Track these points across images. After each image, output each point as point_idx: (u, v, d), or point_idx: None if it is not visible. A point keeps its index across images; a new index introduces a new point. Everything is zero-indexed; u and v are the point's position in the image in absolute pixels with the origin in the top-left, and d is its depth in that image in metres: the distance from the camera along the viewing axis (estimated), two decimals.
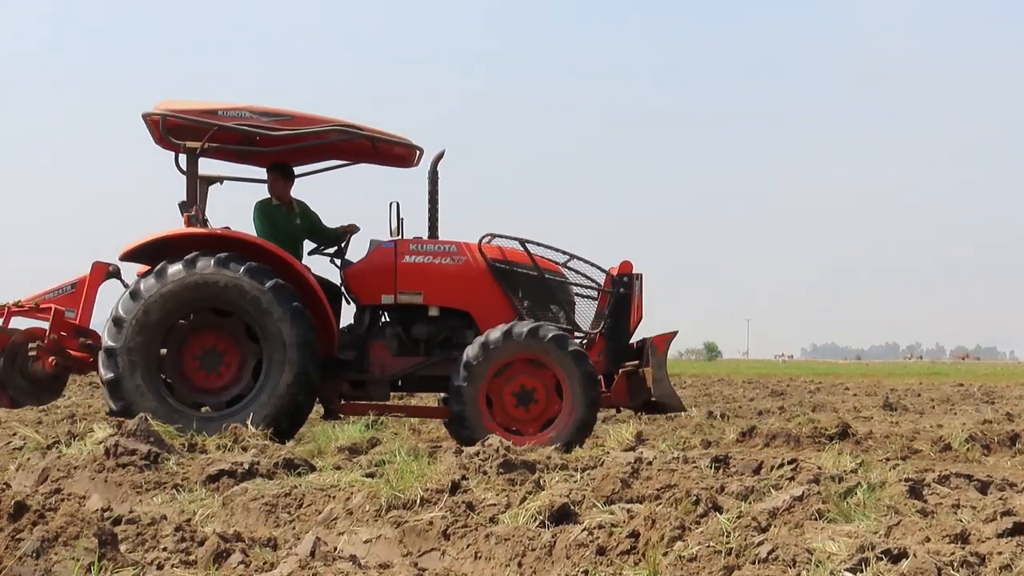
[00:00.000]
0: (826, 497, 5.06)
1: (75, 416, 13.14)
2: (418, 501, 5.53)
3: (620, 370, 11.63)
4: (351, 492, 5.89)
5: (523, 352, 11.02)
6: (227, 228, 11.59)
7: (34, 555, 4.16)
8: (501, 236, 11.90)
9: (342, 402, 11.73)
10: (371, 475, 6.68)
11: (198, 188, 11.56)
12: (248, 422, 10.15)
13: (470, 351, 11.00)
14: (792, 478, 6.07)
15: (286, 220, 11.89)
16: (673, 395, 11.45)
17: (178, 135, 11.21)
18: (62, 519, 4.30)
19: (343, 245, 12.14)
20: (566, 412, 10.98)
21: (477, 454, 6.82)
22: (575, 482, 6.04)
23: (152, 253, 11.02)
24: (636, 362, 11.49)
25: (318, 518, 5.69)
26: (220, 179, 12.16)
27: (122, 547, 4.49)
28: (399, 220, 11.84)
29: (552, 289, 11.91)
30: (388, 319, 11.85)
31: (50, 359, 11.21)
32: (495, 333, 10.99)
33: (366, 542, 5.13)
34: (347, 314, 11.87)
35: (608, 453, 8.25)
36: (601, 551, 4.50)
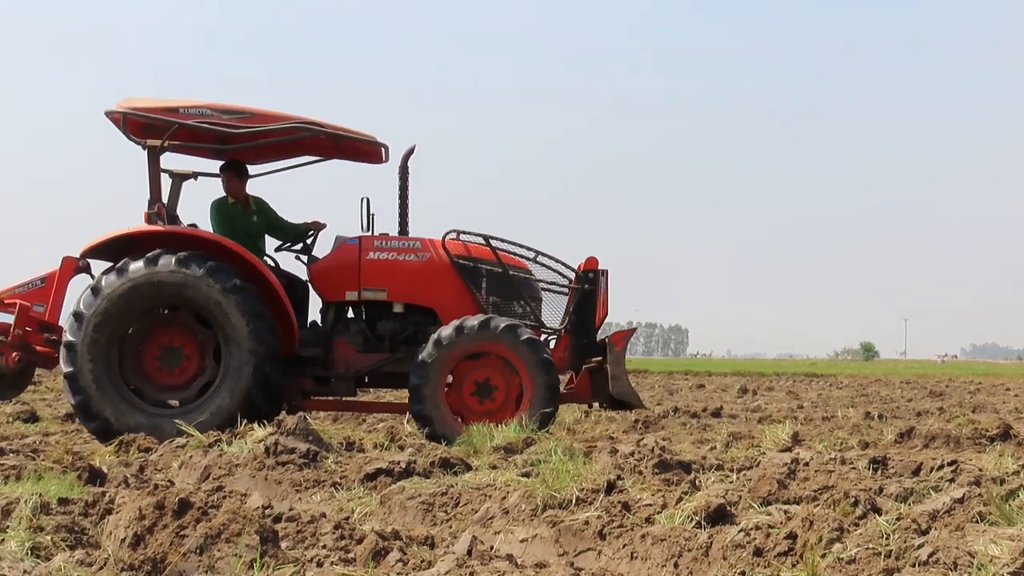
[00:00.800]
0: (988, 499, 4.92)
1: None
2: (574, 501, 5.52)
3: (584, 366, 11.66)
4: (507, 491, 5.91)
5: (476, 345, 11.03)
6: (194, 225, 11.74)
7: (198, 551, 4.26)
8: (465, 232, 11.90)
9: (305, 399, 11.81)
10: (527, 474, 6.69)
11: (173, 185, 11.77)
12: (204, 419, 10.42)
13: (425, 349, 11.04)
14: (952, 480, 5.93)
15: (242, 217, 11.97)
16: (631, 392, 11.45)
17: (140, 133, 11.33)
18: (224, 516, 4.39)
19: (310, 242, 12.18)
20: (526, 400, 10.97)
21: (632, 454, 6.79)
22: (731, 483, 5.98)
23: (114, 250, 11.20)
24: (600, 358, 11.48)
25: (474, 517, 5.72)
26: (194, 175, 12.16)
27: (282, 544, 4.57)
28: (370, 216, 11.86)
29: (516, 285, 11.89)
30: (353, 315, 11.91)
31: (14, 354, 11.28)
32: (447, 330, 11.01)
33: (522, 541, 5.13)
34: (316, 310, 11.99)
35: (764, 454, 8.16)
36: (758, 552, 4.44)
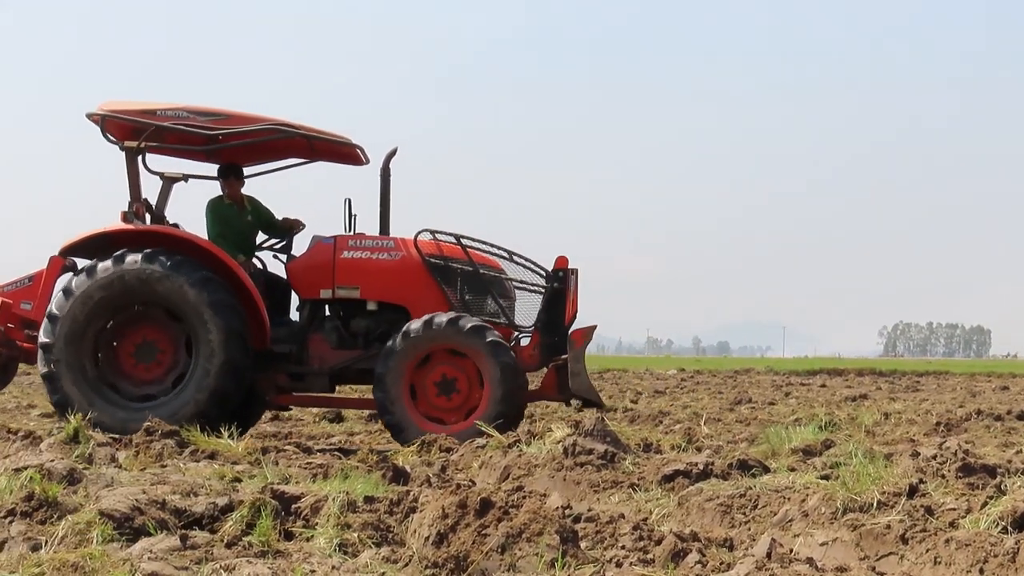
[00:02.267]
0: None
1: (533, 416, 13.58)
2: (875, 504, 5.38)
3: (550, 364, 11.76)
4: (806, 494, 5.81)
5: (443, 342, 11.14)
6: (176, 225, 11.84)
7: (499, 550, 4.34)
8: (438, 232, 11.99)
9: (279, 395, 11.92)
10: (826, 477, 6.57)
11: (163, 187, 11.91)
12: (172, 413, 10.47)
13: (392, 341, 11.16)
14: None
15: (237, 218, 12.21)
16: (591, 388, 11.57)
17: (119, 135, 11.52)
18: (525, 516, 4.47)
19: (289, 240, 12.41)
20: (485, 402, 11.05)
21: (934, 457, 6.57)
22: None
23: (95, 248, 11.38)
24: (565, 356, 11.49)
25: (773, 519, 5.65)
26: (184, 177, 12.28)
27: (582, 544, 4.62)
28: (351, 216, 12.04)
29: (488, 284, 11.96)
30: (328, 313, 12.00)
31: None
32: (416, 324, 11.14)
33: (822, 545, 5.04)
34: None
35: None
36: None
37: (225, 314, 10.99)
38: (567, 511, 5.28)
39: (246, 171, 12.55)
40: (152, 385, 11.25)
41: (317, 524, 5.04)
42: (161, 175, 12.00)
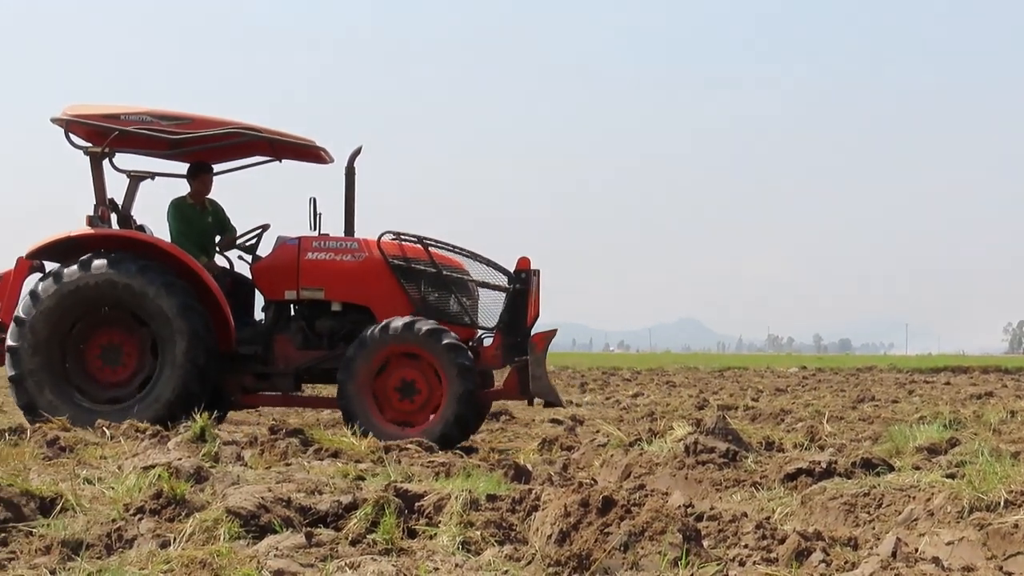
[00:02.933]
0: None
1: (654, 414, 13.54)
2: (1002, 503, 5.28)
3: (511, 365, 11.77)
4: (931, 493, 5.71)
5: (400, 345, 11.21)
6: (142, 227, 12.04)
7: (622, 548, 4.34)
8: (401, 234, 12.08)
9: (245, 395, 12.02)
10: (951, 476, 6.45)
11: (129, 185, 12.06)
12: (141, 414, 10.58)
13: (351, 348, 11.29)
14: None
15: (199, 218, 12.36)
16: (551, 390, 11.60)
17: (83, 139, 11.70)
18: (647, 514, 4.46)
19: (255, 242, 12.39)
20: (443, 402, 11.13)
21: None
22: None
23: (62, 252, 11.51)
24: (526, 357, 11.51)
25: (898, 519, 5.57)
26: (151, 175, 12.39)
27: (705, 543, 4.60)
28: (317, 215, 12.06)
29: (451, 285, 12.04)
30: (293, 314, 12.09)
31: None
32: (372, 330, 11.25)
33: (948, 544, 4.96)
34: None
35: None
36: None
37: (189, 318, 11.14)
38: (689, 510, 5.26)
39: (220, 168, 12.77)
40: (118, 388, 11.41)
41: (440, 522, 5.08)
42: (128, 173, 12.19)
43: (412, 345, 11.19)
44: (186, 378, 11.13)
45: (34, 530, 4.96)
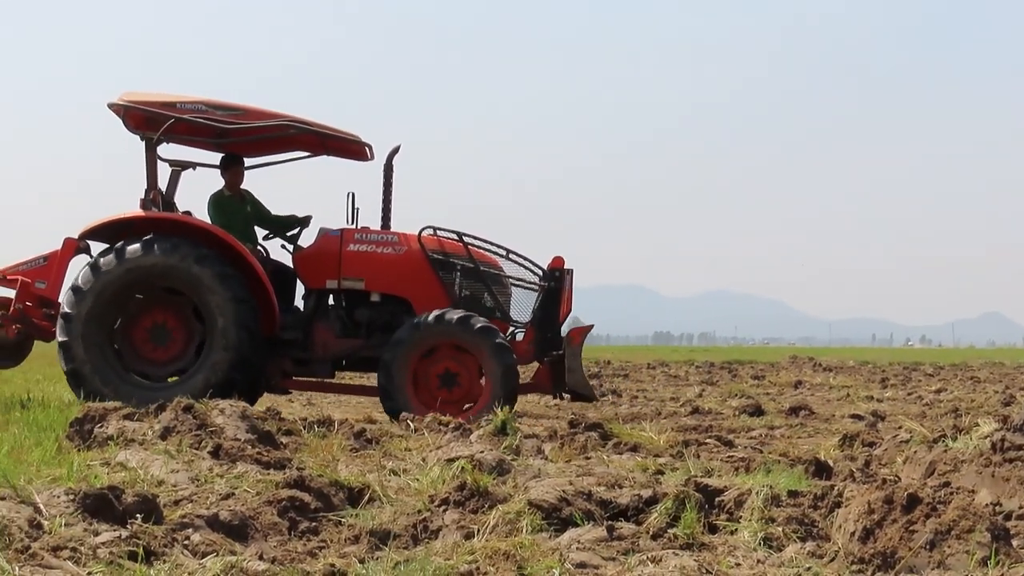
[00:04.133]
0: None
1: (958, 410, 13.08)
2: None
3: (545, 359, 12.22)
4: None
5: (451, 338, 11.70)
6: (188, 213, 12.44)
7: (927, 547, 4.21)
8: (441, 229, 12.55)
9: (284, 379, 12.48)
10: None
11: (172, 174, 12.60)
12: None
13: (402, 330, 11.74)
14: None
15: (238, 209, 12.76)
16: (585, 384, 12.06)
17: (139, 125, 12.13)
18: (954, 512, 4.31)
19: (297, 232, 12.86)
20: (485, 399, 11.48)
21: None
22: None
23: (111, 233, 12.05)
24: (561, 352, 11.99)
25: None
26: (192, 166, 12.91)
27: (1014, 543, 4.43)
28: (355, 210, 12.54)
29: (487, 280, 12.45)
30: (333, 303, 12.52)
31: (14, 327, 12.19)
32: (427, 317, 11.69)
33: None
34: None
35: None
36: None
37: (239, 305, 11.62)
38: (997, 508, 5.07)
39: (255, 162, 13.20)
40: (150, 365, 12.00)
41: (741, 517, 5.03)
42: (169, 162, 12.70)
43: (463, 339, 11.66)
44: (232, 364, 11.62)
45: (343, 520, 5.16)
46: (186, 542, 4.43)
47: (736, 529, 4.90)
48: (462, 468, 6.12)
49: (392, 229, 12.65)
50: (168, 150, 12.75)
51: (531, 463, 6.82)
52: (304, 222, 12.98)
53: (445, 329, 11.68)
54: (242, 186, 13.00)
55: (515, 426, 8.20)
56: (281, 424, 8.71)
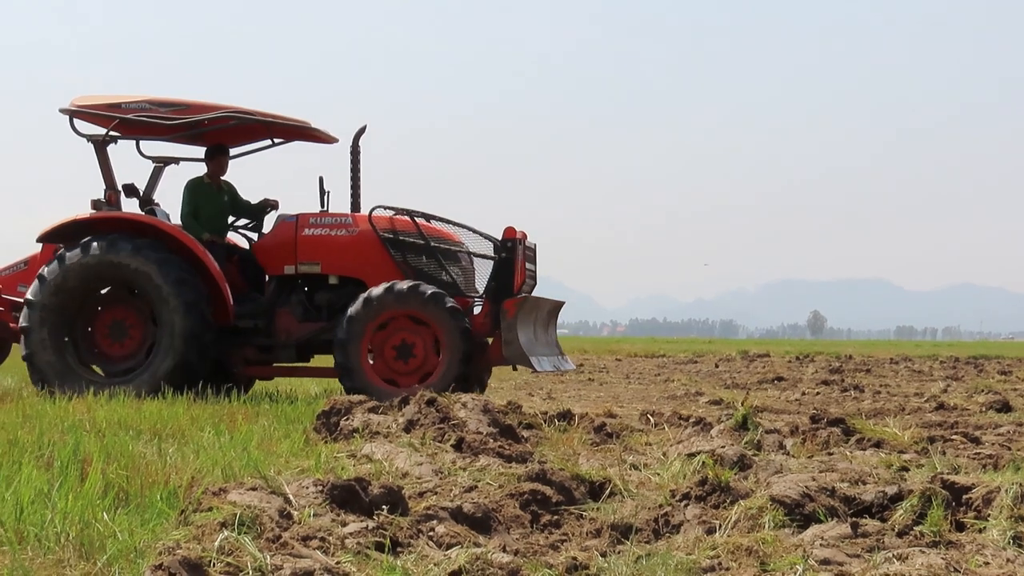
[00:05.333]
0: None
1: None
2: None
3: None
4: None
5: (402, 308, 11.89)
6: (152, 210, 12.91)
7: None
8: (389, 208, 12.73)
9: (246, 367, 12.80)
10: None
11: (153, 170, 13.19)
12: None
13: (353, 307, 11.92)
14: None
15: (215, 197, 13.09)
16: (522, 355, 11.77)
17: (87, 127, 12.63)
18: None
19: (260, 221, 13.29)
20: (442, 365, 11.79)
21: None
22: None
23: (69, 234, 12.40)
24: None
25: None
26: (176, 160, 13.39)
27: None
28: (325, 193, 12.87)
29: (439, 255, 12.59)
30: (293, 288, 12.75)
31: None
32: (377, 290, 11.93)
33: None
34: None
35: None
36: None
37: (184, 293, 11.91)
38: None
39: (233, 152, 13.56)
40: (104, 360, 12.48)
41: (989, 516, 4.87)
42: (153, 159, 13.22)
43: (415, 308, 11.88)
44: (183, 350, 11.93)
45: (584, 513, 5.19)
46: (431, 533, 4.52)
47: (984, 527, 4.74)
48: (703, 463, 6.08)
49: (343, 211, 12.93)
50: (153, 147, 13.44)
51: (773, 458, 6.73)
52: (272, 206, 13.41)
53: (396, 300, 11.92)
54: (224, 177, 13.39)
55: (756, 421, 8.10)
56: (522, 418, 8.81)
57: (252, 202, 13.52)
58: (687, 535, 4.75)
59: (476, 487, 5.53)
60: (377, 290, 12.00)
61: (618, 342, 60.84)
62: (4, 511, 4.68)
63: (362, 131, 13.10)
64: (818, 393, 15.21)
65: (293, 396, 11.77)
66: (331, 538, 4.20)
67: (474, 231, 12.91)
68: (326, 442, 7.75)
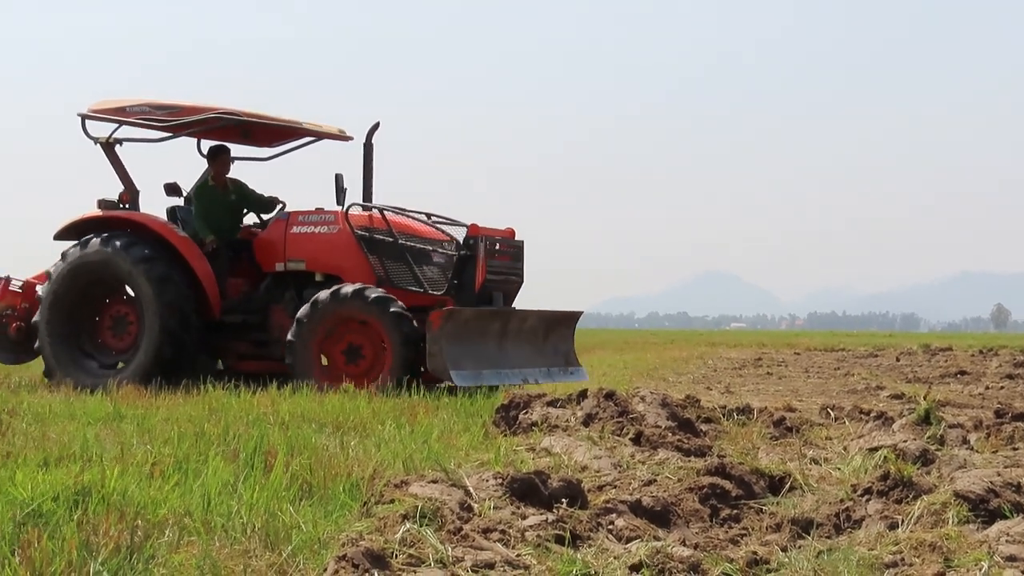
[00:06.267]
0: None
1: None
2: None
3: None
4: None
5: (347, 311, 12.07)
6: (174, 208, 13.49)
7: None
8: (364, 205, 13.12)
9: (239, 361, 13.24)
10: None
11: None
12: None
13: (303, 309, 12.18)
14: None
15: (221, 198, 13.54)
16: (444, 370, 11.63)
17: (97, 130, 13.32)
18: None
19: (267, 217, 13.63)
20: (386, 367, 11.92)
21: None
22: None
23: (81, 232, 13.14)
24: None
25: None
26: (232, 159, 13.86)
27: None
28: (342, 191, 13.23)
29: (406, 254, 12.68)
30: (285, 285, 13.05)
31: (14, 324, 13.65)
32: (323, 294, 12.12)
33: None
34: None
35: None
36: None
37: (163, 290, 12.46)
38: None
39: (256, 153, 14.53)
40: (102, 351, 13.18)
41: None
42: (204, 155, 13.79)
43: (359, 312, 12.03)
44: (159, 344, 12.49)
45: (764, 508, 5.17)
46: (610, 527, 4.56)
47: None
48: (885, 457, 6.00)
49: (327, 209, 13.22)
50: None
51: (956, 453, 6.60)
52: (281, 204, 13.80)
53: (340, 303, 12.07)
54: (230, 176, 13.81)
55: (939, 415, 7.94)
56: (700, 412, 8.78)
57: (264, 196, 14.01)
58: (869, 530, 4.69)
59: (655, 481, 5.55)
60: (324, 294, 12.25)
61: (796, 336, 60.02)
62: (193, 502, 4.87)
63: (375, 128, 13.48)
64: (1002, 387, 14.79)
65: (472, 389, 11.92)
66: (511, 531, 4.26)
67: (443, 223, 13.27)
68: (505, 435, 7.84)
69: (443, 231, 13.00)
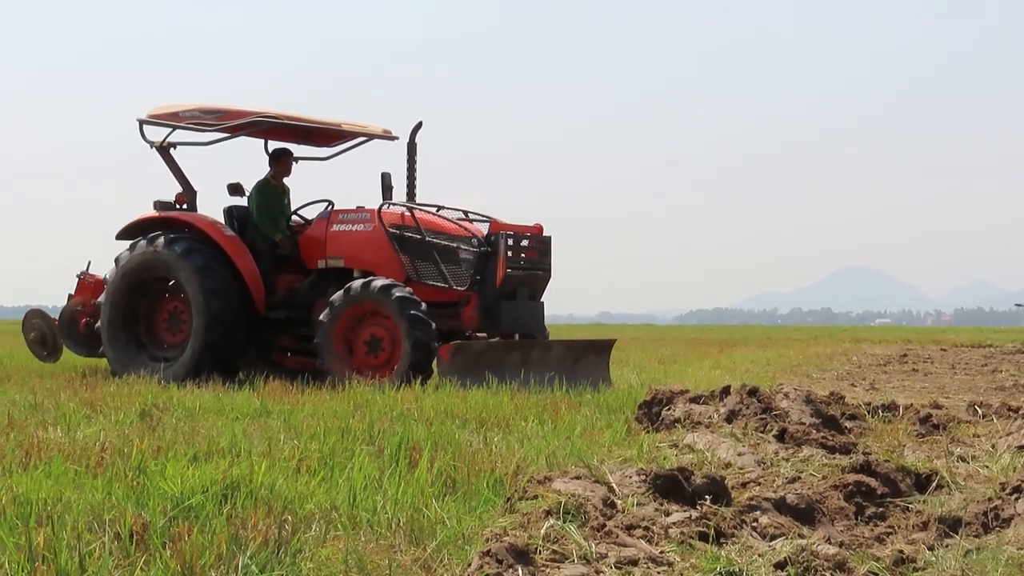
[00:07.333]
0: None
1: None
2: None
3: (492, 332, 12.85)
4: None
5: (374, 304, 12.36)
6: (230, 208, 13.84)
7: None
8: (396, 204, 13.50)
9: (281, 355, 13.75)
10: None
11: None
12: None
13: (335, 295, 12.52)
14: None
15: (278, 198, 14.00)
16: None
17: (153, 135, 13.77)
18: None
19: (312, 218, 13.98)
20: (399, 353, 12.17)
21: None
22: None
23: (138, 232, 13.68)
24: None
25: None
26: (295, 159, 14.24)
27: None
28: (389, 189, 13.79)
29: (432, 250, 12.89)
30: (328, 281, 13.30)
31: (84, 320, 14.29)
32: (357, 283, 12.48)
33: None
34: None
35: None
36: None
37: (205, 278, 12.90)
38: None
39: (315, 152, 14.97)
40: (156, 346, 13.72)
41: None
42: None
43: (373, 301, 12.33)
44: (207, 329, 12.92)
45: (910, 506, 5.10)
46: (754, 524, 4.55)
47: None
48: None
49: (365, 207, 13.50)
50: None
51: None
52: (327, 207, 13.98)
53: (370, 296, 12.34)
54: (286, 180, 14.18)
55: None
56: (845, 408, 8.67)
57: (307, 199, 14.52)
58: (1018, 529, 4.61)
59: (799, 478, 5.52)
60: (356, 283, 12.57)
61: (943, 332, 58.77)
62: (339, 497, 4.98)
63: (419, 127, 13.91)
64: None
65: (615, 386, 11.90)
66: (655, 527, 4.28)
67: (475, 219, 13.50)
68: (647, 432, 7.85)
69: (468, 228, 13.17)
